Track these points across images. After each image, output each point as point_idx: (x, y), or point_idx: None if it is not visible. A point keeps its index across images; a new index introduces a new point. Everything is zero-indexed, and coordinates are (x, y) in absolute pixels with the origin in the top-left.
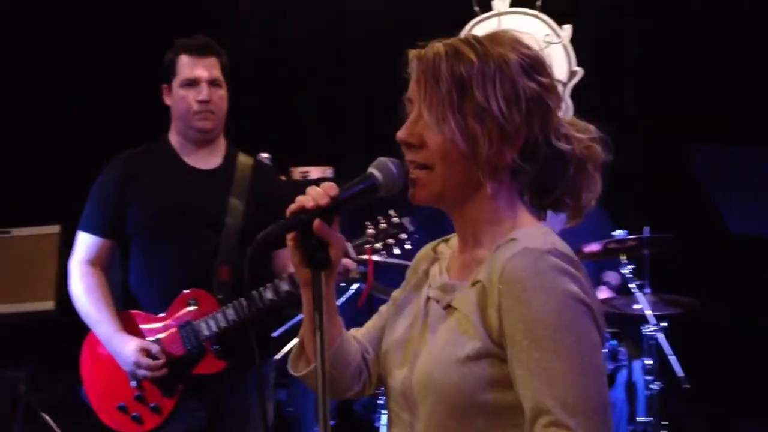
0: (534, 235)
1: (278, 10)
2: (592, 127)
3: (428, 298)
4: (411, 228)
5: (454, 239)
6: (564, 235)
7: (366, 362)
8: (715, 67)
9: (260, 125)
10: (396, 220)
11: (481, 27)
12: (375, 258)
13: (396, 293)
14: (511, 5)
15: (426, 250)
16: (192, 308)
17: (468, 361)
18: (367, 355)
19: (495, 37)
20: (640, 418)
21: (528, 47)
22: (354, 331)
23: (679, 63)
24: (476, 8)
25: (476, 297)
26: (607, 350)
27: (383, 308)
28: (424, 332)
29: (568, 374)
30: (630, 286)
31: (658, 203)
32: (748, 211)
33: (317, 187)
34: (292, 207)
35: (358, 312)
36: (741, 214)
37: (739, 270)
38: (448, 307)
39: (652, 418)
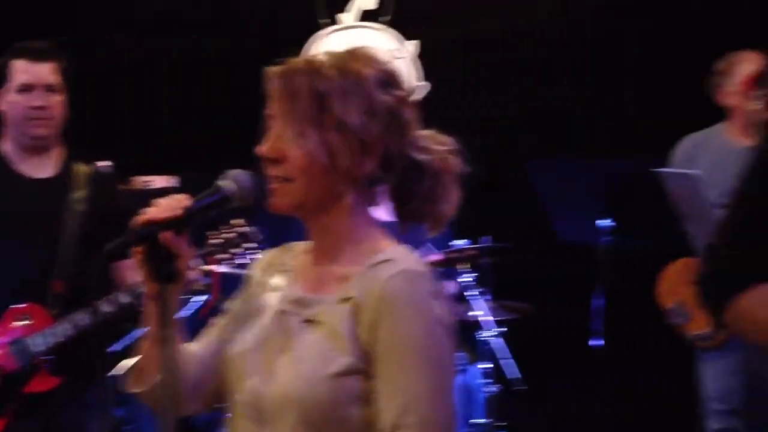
0: (408, 255)
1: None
2: (448, 139)
3: (281, 311)
4: (258, 237)
5: (296, 249)
6: (411, 244)
7: (205, 377)
8: (556, 82)
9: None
10: (242, 229)
11: (327, 41)
12: (220, 269)
13: (233, 304)
14: (360, 19)
15: (265, 259)
16: (25, 323)
17: (338, 376)
18: (206, 370)
19: (352, 53)
20: (477, 420)
21: (383, 63)
22: (191, 345)
23: (521, 76)
24: (322, 21)
25: (348, 313)
26: None
27: (220, 320)
28: (283, 346)
29: (427, 394)
30: (470, 293)
31: (500, 213)
32: (575, 221)
33: (167, 198)
34: (142, 218)
35: (200, 325)
36: (569, 223)
37: (568, 276)
38: (310, 322)
39: (488, 420)
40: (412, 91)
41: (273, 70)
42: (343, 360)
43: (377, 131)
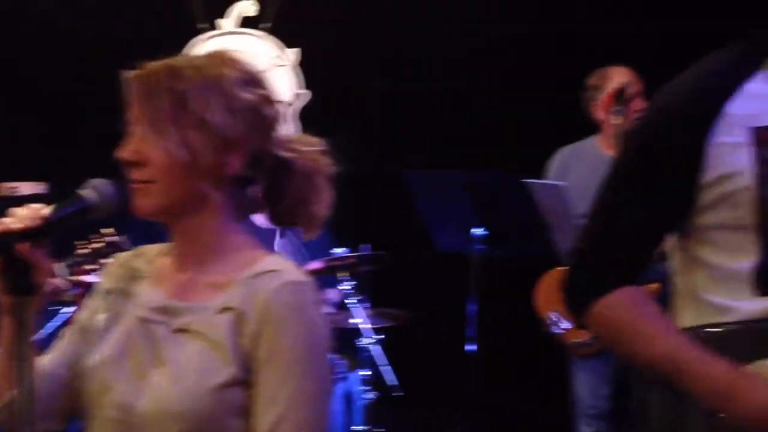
0: (290, 266)
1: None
2: (317, 140)
3: (143, 319)
4: (127, 246)
5: (149, 254)
6: (293, 252)
7: (58, 392)
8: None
9: None
10: (111, 239)
11: (206, 46)
12: (89, 279)
13: (81, 314)
14: (240, 25)
15: (115, 265)
16: None
17: (221, 388)
18: (58, 385)
19: (211, 55)
20: (355, 427)
21: (244, 63)
22: (40, 359)
23: (404, 88)
24: (201, 26)
25: (230, 323)
26: None
27: (67, 332)
28: (153, 356)
29: (304, 404)
30: (350, 301)
31: (379, 222)
32: (450, 230)
33: (25, 207)
34: None
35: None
36: (445, 232)
37: (444, 284)
38: (182, 331)
39: (366, 427)
40: (297, 98)
41: (131, 73)
42: (226, 371)
43: (240, 129)
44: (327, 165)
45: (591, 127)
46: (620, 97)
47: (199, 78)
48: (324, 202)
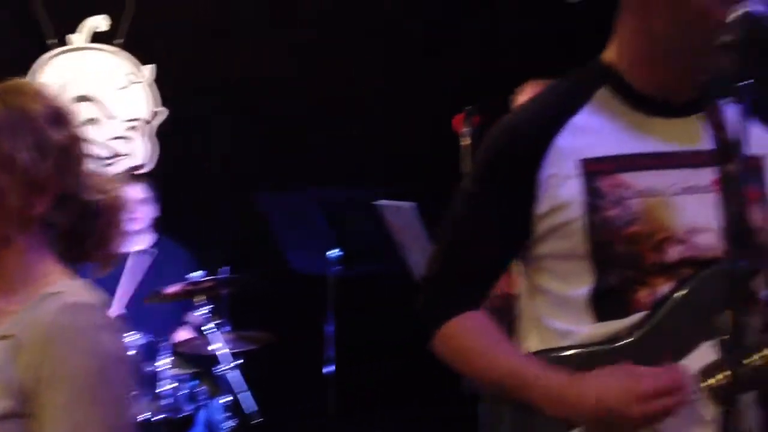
0: (76, 288)
1: None
2: (120, 177)
3: None
4: None
5: None
6: (152, 276)
7: None
8: (291, 113)
9: None
10: None
11: (55, 63)
12: None
13: None
14: (92, 41)
15: None
16: None
17: None
18: None
19: (16, 88)
20: None
21: (52, 98)
22: None
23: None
24: (50, 42)
25: (8, 352)
26: (187, 391)
27: None
28: None
29: None
30: (208, 326)
31: (241, 244)
32: (306, 251)
33: None
34: None
35: None
36: (299, 253)
37: (304, 306)
38: None
39: None
40: (154, 115)
41: None
42: (3, 404)
43: (49, 170)
44: (125, 203)
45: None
46: (469, 118)
47: (6, 113)
48: (121, 241)
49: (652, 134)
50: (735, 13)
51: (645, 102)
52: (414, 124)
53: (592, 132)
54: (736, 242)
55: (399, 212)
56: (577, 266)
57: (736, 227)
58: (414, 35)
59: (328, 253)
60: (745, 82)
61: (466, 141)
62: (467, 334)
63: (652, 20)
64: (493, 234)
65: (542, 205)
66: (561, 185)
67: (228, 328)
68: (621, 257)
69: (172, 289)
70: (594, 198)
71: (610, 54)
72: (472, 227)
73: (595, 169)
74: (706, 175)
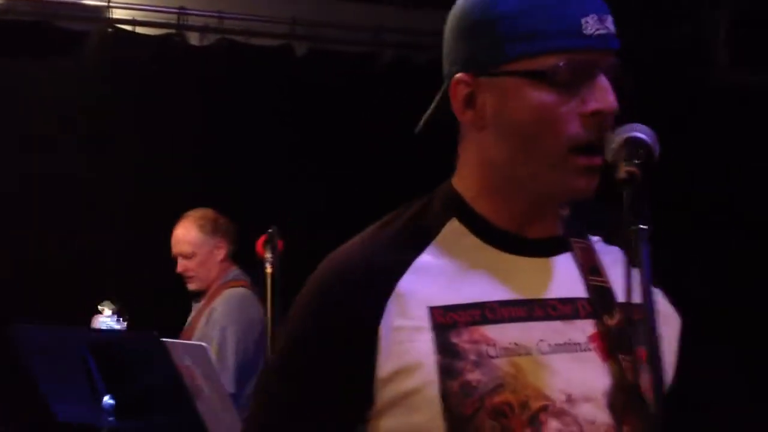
0: None
1: None
2: None
3: None
4: None
5: None
6: None
7: None
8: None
9: None
10: None
11: None
12: None
13: None
14: None
15: None
16: None
17: None
18: None
19: None
20: None
21: None
22: None
23: None
24: None
25: None
26: None
27: None
28: None
29: None
30: None
31: None
32: (74, 399)
33: None
34: None
35: None
36: (68, 402)
37: None
38: None
39: None
40: None
41: None
42: None
43: None
44: None
45: None
46: (269, 243)
47: None
48: None
49: (512, 276)
50: (616, 140)
51: (499, 237)
52: None
53: (442, 274)
54: (625, 414)
55: (191, 352)
56: None
57: (625, 396)
58: None
59: (103, 402)
60: (640, 225)
61: (268, 268)
62: None
63: (489, 148)
64: (314, 407)
65: (384, 367)
66: (406, 341)
67: None
68: None
69: None
70: (449, 358)
71: (457, 180)
72: (287, 398)
73: (447, 320)
74: (582, 330)
